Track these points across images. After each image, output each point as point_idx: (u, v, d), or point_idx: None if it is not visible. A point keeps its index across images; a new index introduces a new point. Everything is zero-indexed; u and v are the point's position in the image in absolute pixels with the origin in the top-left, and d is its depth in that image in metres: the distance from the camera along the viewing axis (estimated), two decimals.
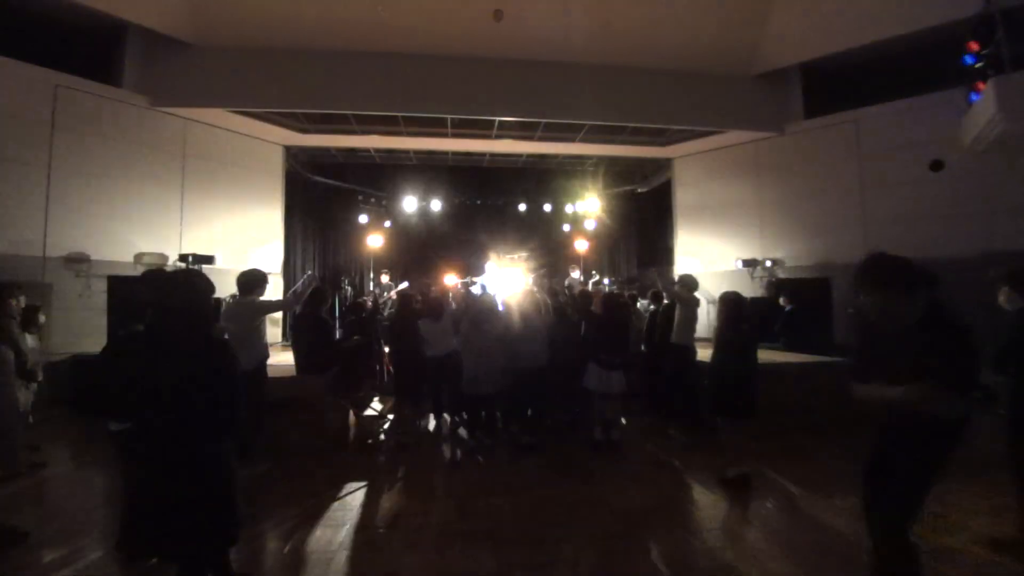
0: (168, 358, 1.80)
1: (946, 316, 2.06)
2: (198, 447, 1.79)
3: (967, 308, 4.63)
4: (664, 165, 10.98)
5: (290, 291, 8.86)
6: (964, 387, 2.01)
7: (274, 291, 8.81)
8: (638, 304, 7.00)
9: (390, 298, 8.52)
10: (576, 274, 9.94)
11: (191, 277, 2.00)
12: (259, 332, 4.41)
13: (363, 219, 11.00)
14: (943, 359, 1.96)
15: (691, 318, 5.32)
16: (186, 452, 1.77)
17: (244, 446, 3.94)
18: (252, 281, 4.40)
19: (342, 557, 2.89)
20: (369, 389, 5.66)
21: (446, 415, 5.50)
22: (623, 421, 5.32)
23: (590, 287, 8.71)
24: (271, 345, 4.84)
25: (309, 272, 9.95)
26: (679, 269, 10.11)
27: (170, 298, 1.88)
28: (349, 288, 10.03)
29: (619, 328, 5.05)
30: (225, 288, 6.95)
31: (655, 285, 5.73)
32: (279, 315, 9.32)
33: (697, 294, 5.54)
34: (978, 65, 6.34)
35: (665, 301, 5.86)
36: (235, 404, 1.87)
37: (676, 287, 5.50)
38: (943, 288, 2.20)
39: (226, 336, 4.12)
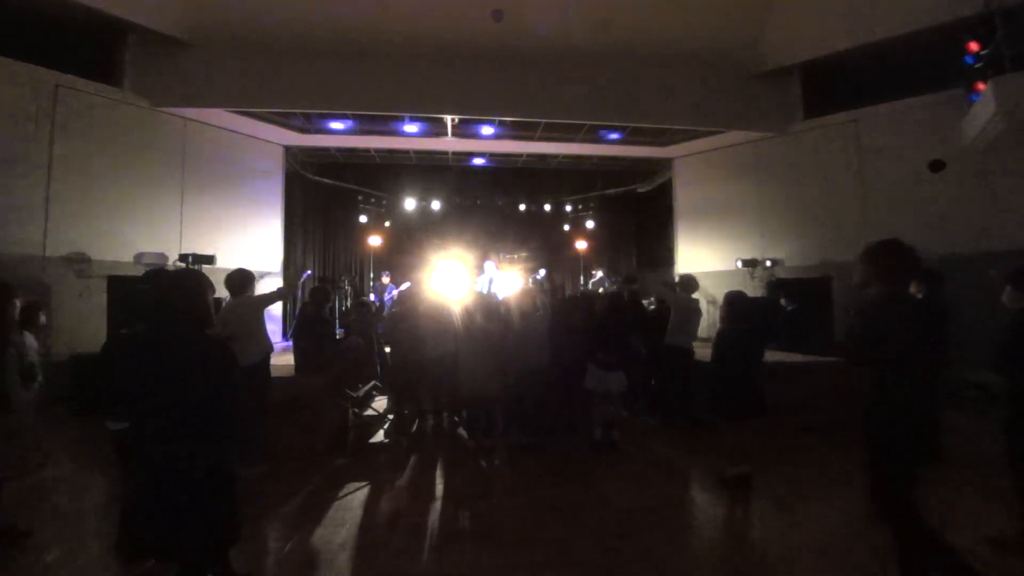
0: (168, 358, 1.80)
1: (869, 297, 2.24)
2: (198, 447, 1.79)
3: (968, 307, 4.63)
4: (664, 165, 10.98)
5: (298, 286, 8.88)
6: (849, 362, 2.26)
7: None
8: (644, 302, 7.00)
9: (391, 298, 8.52)
10: (599, 275, 9.93)
11: (192, 277, 2.00)
12: (261, 326, 4.48)
13: (363, 219, 11.00)
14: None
15: (685, 319, 5.31)
16: (186, 452, 1.77)
17: (244, 446, 3.95)
18: (243, 281, 4.45)
19: (342, 557, 2.89)
20: (369, 389, 5.66)
21: (446, 415, 5.51)
22: (624, 420, 5.32)
23: (590, 287, 8.72)
24: (271, 342, 4.86)
25: (310, 272, 9.97)
26: (680, 269, 10.11)
27: (171, 298, 1.88)
28: (349, 288, 10.04)
29: (619, 328, 5.04)
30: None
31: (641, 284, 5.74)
32: (279, 315, 9.33)
33: (697, 294, 5.53)
34: (978, 65, 6.34)
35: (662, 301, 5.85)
36: (234, 403, 1.87)
37: (664, 287, 5.49)
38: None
39: (228, 338, 4.14)
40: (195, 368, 1.81)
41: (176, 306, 1.87)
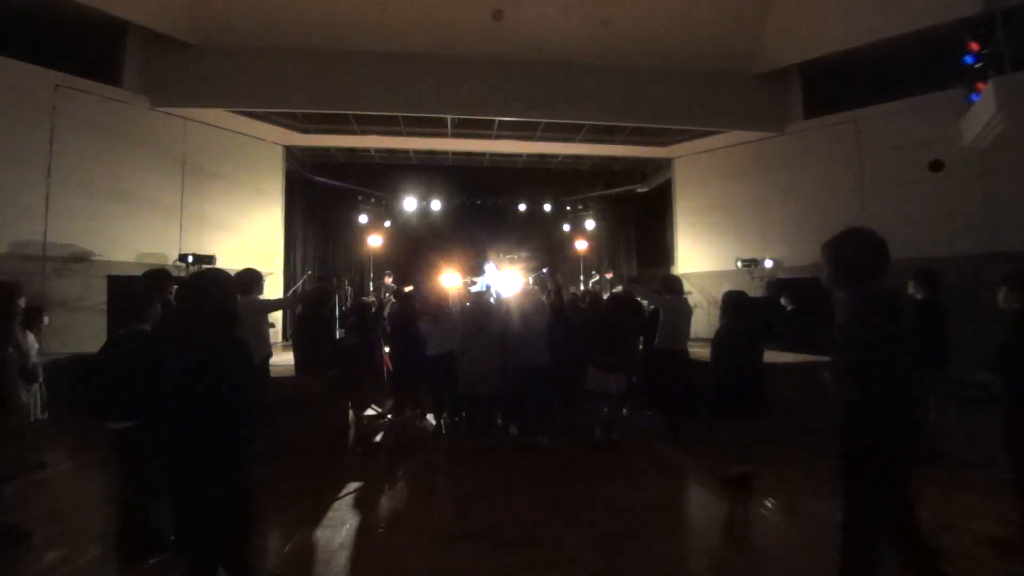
0: (190, 357, 1.81)
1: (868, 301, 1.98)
2: (217, 444, 1.80)
3: (967, 308, 4.63)
4: (664, 165, 10.98)
5: (296, 290, 8.90)
6: (850, 374, 1.94)
7: (274, 291, 8.81)
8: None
9: (391, 299, 8.50)
10: (599, 276, 9.95)
11: (216, 276, 2.00)
12: (261, 330, 4.43)
13: (363, 219, 11.00)
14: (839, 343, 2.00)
15: (675, 321, 5.24)
16: (206, 449, 1.78)
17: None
18: (250, 280, 4.41)
19: (342, 557, 2.89)
20: (369, 389, 5.66)
21: (446, 415, 5.51)
22: (623, 420, 5.32)
23: (590, 287, 8.72)
24: (271, 344, 4.86)
25: (310, 272, 9.98)
26: (680, 269, 10.12)
27: (195, 297, 1.89)
28: (349, 288, 10.03)
29: (618, 329, 5.04)
30: None
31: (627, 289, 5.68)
32: (279, 314, 9.33)
33: (692, 295, 5.49)
34: (978, 65, 6.34)
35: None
36: (250, 403, 1.88)
37: (639, 287, 5.43)
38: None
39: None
40: (215, 368, 1.82)
41: (200, 305, 1.88)
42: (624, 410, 5.46)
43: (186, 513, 1.78)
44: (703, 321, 8.27)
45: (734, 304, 4.08)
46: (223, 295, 1.93)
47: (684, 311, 5.36)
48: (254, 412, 1.91)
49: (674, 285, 5.43)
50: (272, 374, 4.69)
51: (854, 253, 2.09)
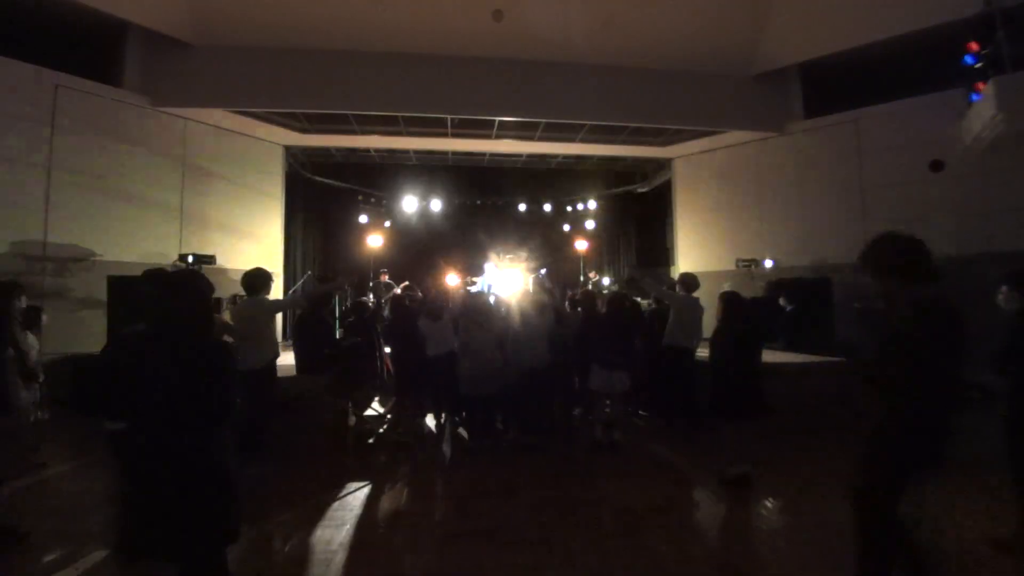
0: (165, 357, 1.80)
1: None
2: (195, 445, 1.79)
3: (966, 308, 4.63)
4: (664, 165, 10.98)
5: (296, 290, 8.90)
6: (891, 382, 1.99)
7: (273, 292, 8.80)
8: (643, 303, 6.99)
9: (390, 298, 8.50)
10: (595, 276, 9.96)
11: (192, 278, 2.00)
12: (270, 330, 4.44)
13: (363, 219, 11.00)
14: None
15: (685, 319, 5.27)
16: (180, 451, 1.77)
17: (247, 445, 3.95)
18: (258, 280, 4.41)
19: (342, 557, 2.89)
20: (369, 389, 5.66)
21: (446, 415, 5.51)
22: (625, 420, 5.32)
23: (589, 287, 8.72)
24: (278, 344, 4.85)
25: (309, 272, 9.99)
26: (679, 269, 10.11)
27: (172, 299, 1.88)
28: (349, 288, 10.02)
29: (621, 328, 5.04)
30: (225, 288, 6.92)
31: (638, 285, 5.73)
32: (279, 315, 9.33)
33: (698, 293, 5.51)
34: (978, 65, 6.34)
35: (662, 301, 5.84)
36: (230, 402, 1.87)
37: (663, 289, 5.46)
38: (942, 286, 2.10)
39: (229, 338, 4.15)
40: (195, 368, 1.81)
41: (174, 305, 1.87)
42: (627, 409, 5.47)
43: (166, 515, 1.77)
44: (706, 321, 8.28)
45: (730, 304, 4.09)
46: (193, 295, 1.91)
47: (697, 309, 5.38)
48: (232, 410, 1.89)
49: (691, 283, 5.47)
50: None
51: (890, 255, 2.07)
